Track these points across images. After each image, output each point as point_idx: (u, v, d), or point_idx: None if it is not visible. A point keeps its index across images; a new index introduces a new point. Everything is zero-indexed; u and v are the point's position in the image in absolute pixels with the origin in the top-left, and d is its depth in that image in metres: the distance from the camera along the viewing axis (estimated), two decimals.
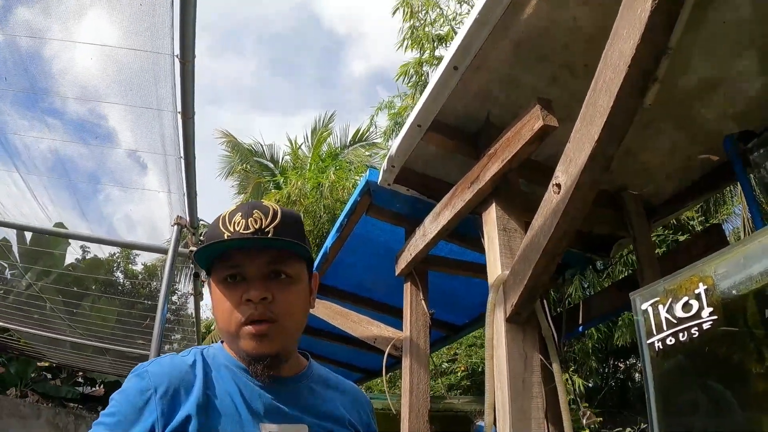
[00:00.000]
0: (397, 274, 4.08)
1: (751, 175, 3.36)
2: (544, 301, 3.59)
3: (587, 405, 10.59)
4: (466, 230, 3.73)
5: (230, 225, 1.33)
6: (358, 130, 20.99)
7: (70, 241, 14.24)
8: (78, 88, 4.59)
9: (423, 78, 15.38)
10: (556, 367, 2.86)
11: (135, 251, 23.35)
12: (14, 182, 5.87)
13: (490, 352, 2.79)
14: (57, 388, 22.28)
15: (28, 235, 13.81)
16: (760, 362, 1.68)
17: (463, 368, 12.94)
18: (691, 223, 10.97)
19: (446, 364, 13.76)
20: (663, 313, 1.86)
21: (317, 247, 4.62)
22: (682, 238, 9.88)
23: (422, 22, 15.33)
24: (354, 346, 6.30)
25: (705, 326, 1.71)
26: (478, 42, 2.66)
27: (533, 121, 2.67)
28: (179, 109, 4.00)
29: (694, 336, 1.73)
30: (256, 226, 1.33)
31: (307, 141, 21.42)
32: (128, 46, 3.92)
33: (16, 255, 15.29)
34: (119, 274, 26.53)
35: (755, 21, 2.62)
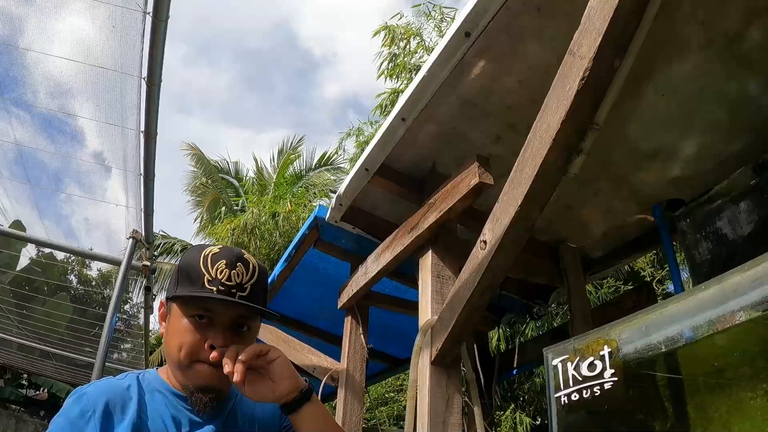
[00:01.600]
0: (339, 307, 4.18)
1: (678, 243, 3.53)
2: (474, 344, 3.73)
3: None
4: (409, 270, 3.85)
5: (212, 269, 1.42)
6: (324, 154, 20.99)
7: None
8: (52, 83, 4.64)
9: None
10: (477, 410, 3.00)
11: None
12: None
13: (412, 392, 2.91)
14: (0, 389, 21.88)
15: None
16: (652, 419, 1.82)
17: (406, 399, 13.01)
18: (643, 273, 11.17)
19: (391, 394, 13.79)
20: (571, 370, 1.94)
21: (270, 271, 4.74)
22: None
23: (402, 50, 15.46)
24: (301, 372, 6.34)
25: (606, 386, 1.80)
26: (425, 97, 2.81)
27: (470, 177, 2.81)
28: (142, 128, 4.08)
29: (596, 394, 1.82)
30: (238, 281, 1.43)
31: (273, 161, 21.40)
32: (98, 64, 3.99)
33: None
34: (73, 278, 26.07)
35: (693, 95, 2.80)
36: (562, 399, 1.96)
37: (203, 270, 1.43)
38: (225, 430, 1.51)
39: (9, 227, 7.30)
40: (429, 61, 2.69)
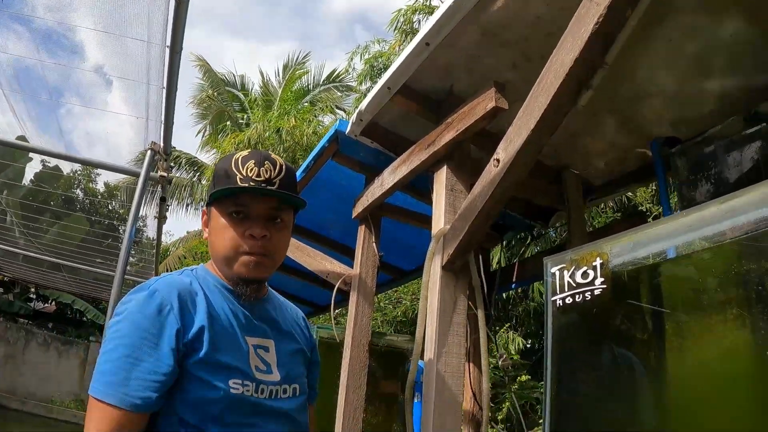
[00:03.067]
0: (353, 216, 4.44)
1: (671, 179, 3.79)
2: (479, 257, 4.03)
3: (512, 354, 11.09)
4: (421, 184, 4.10)
5: (243, 169, 1.59)
6: (333, 71, 20.99)
7: (30, 154, 14.03)
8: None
9: (413, 26, 15.43)
10: (480, 314, 3.32)
11: (97, 170, 22.96)
12: None
13: (425, 293, 3.22)
14: (9, 303, 22.33)
15: None
16: (632, 323, 2.11)
17: (403, 310, 13.53)
18: (641, 207, 11.40)
19: (387, 304, 14.23)
20: (566, 278, 2.20)
21: None
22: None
23: None
24: (310, 281, 6.66)
25: (596, 292, 2.07)
26: (450, 25, 2.98)
27: (487, 101, 3.05)
28: (168, 43, 4.15)
29: (587, 299, 2.09)
30: (267, 176, 1.59)
31: (278, 75, 21.33)
32: None
33: None
34: (79, 192, 26.20)
35: (697, 43, 3.01)
36: (558, 302, 2.23)
37: (235, 171, 1.59)
38: (271, 326, 1.73)
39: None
40: None
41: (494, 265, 9.40)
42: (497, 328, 11.36)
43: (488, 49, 3.19)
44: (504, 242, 5.49)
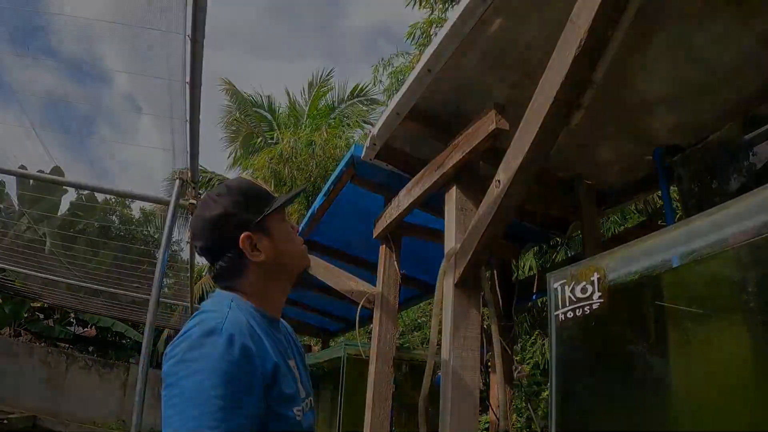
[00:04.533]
0: (374, 236, 4.58)
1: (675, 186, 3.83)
2: (495, 273, 4.13)
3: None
4: (437, 201, 4.22)
5: (265, 186, 1.82)
6: (357, 86, 21.01)
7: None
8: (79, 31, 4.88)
9: (430, 39, 15.50)
10: (494, 327, 3.42)
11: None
12: (14, 123, 6.09)
13: (437, 310, 3.35)
14: (50, 328, 22.87)
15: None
16: (629, 335, 2.19)
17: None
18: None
19: (423, 319, 14.28)
20: (567, 293, 2.30)
21: (308, 203, 5.05)
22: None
23: None
24: (341, 299, 6.77)
25: (594, 306, 2.17)
26: (449, 51, 3.10)
27: (488, 123, 3.17)
28: (188, 80, 4.32)
29: (587, 313, 2.19)
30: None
31: (304, 94, 21.54)
32: (143, 24, 4.29)
33: (14, 198, 15.56)
34: (115, 218, 26.63)
35: (694, 52, 3.09)
36: (560, 316, 2.33)
37: (265, 189, 1.78)
38: (288, 343, 1.78)
39: (49, 173, 7.54)
40: (451, 19, 2.99)
41: (527, 272, 9.46)
42: (529, 336, 11.40)
43: (489, 71, 3.30)
44: (535, 249, 5.56)
